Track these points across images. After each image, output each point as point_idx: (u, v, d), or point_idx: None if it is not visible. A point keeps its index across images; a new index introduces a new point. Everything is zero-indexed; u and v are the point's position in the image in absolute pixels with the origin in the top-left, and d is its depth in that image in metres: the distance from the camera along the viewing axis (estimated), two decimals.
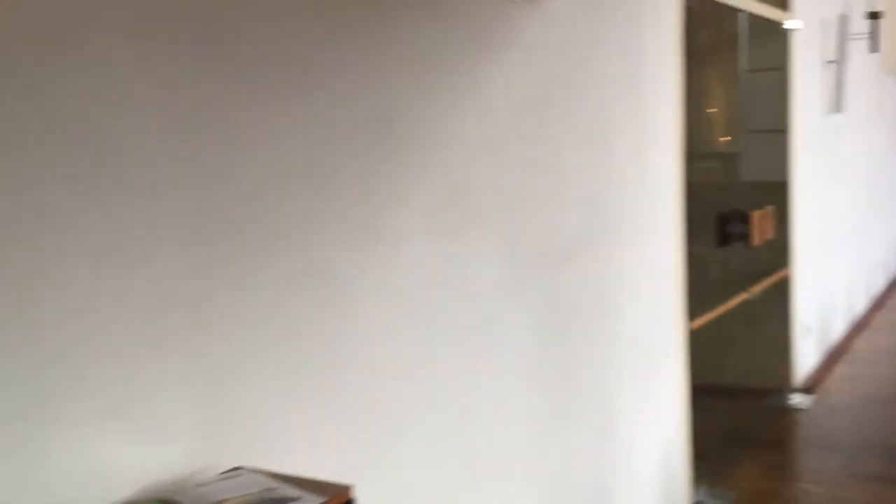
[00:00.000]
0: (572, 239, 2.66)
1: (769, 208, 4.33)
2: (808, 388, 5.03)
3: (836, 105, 5.69)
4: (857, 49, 6.12)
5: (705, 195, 3.98)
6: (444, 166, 2.06)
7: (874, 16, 6.15)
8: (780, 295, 4.90)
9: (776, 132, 4.95)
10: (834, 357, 5.68)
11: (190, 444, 1.43)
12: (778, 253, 4.80)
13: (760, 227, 4.17)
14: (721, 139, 5.02)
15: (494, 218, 2.25)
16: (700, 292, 3.65)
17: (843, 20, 5.64)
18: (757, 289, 4.39)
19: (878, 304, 7.24)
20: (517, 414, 2.37)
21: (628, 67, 3.00)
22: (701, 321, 3.67)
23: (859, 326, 6.50)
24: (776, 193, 4.80)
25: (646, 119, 3.13)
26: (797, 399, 4.83)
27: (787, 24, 4.79)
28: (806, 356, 5.25)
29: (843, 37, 5.64)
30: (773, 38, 4.79)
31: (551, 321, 2.53)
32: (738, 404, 4.79)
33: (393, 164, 1.89)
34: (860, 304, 6.84)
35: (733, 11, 4.12)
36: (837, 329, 6.07)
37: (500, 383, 2.29)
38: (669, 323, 3.37)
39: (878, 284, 7.63)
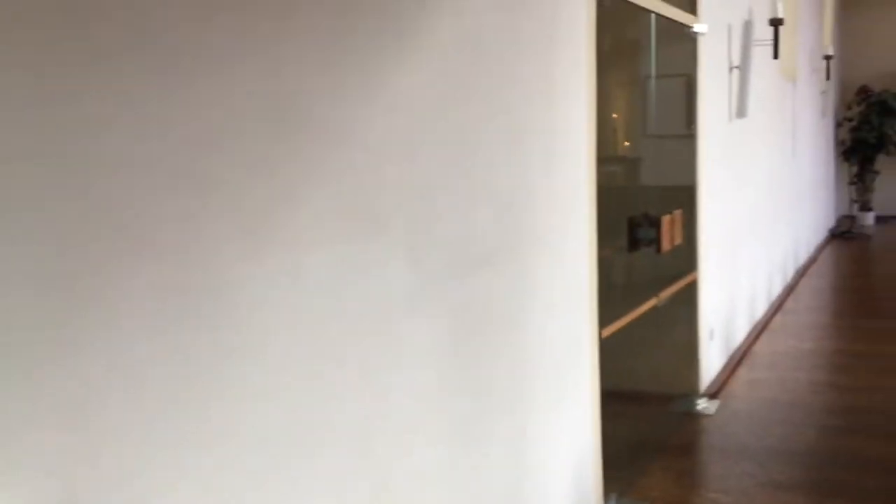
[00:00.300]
0: (484, 245, 2.51)
1: (677, 213, 4.29)
2: (713, 393, 5.04)
3: (741, 110, 5.74)
4: (761, 55, 6.20)
5: (611, 199, 3.91)
6: (348, 166, 1.88)
7: (776, 23, 6.23)
8: (687, 299, 4.89)
9: (678, 137, 4.94)
10: (737, 360, 5.73)
11: (42, 485, 1.21)
12: (685, 257, 4.78)
13: (669, 232, 4.12)
14: (624, 143, 4.97)
15: (403, 222, 2.09)
16: (611, 299, 3.57)
17: (748, 26, 5.69)
18: (665, 294, 4.35)
19: (777, 307, 7.38)
20: (427, 432, 2.21)
21: (543, 66, 2.88)
22: (612, 328, 3.59)
23: (760, 329, 6.59)
24: (679, 197, 4.78)
25: (559, 120, 3.02)
26: (703, 404, 4.83)
27: (694, 28, 4.78)
28: (711, 360, 5.27)
29: (748, 43, 5.69)
30: (679, 42, 4.77)
31: (462, 332, 2.38)
32: (647, 410, 4.76)
33: (290, 163, 1.69)
34: (761, 307, 6.95)
35: (642, 13, 4.06)
36: (740, 332, 6.14)
37: (408, 401, 2.13)
38: (581, 332, 3.27)
39: (777, 287, 7.79)
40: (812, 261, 9.89)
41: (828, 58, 10.82)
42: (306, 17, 1.73)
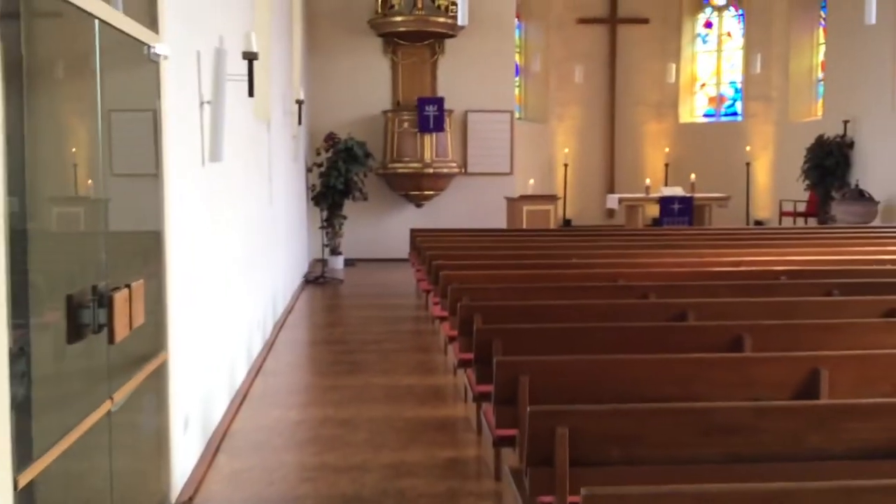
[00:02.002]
0: None
1: (138, 285, 3.27)
2: (188, 499, 4.09)
3: (215, 153, 4.92)
4: (236, 91, 5.48)
5: (47, 260, 2.79)
6: None
7: (250, 56, 5.58)
8: (154, 387, 3.88)
9: (148, 177, 3.96)
10: (216, 446, 4.86)
11: None
12: (150, 336, 3.77)
13: (126, 312, 3.09)
14: (86, 182, 3.82)
15: None
16: (35, 424, 2.44)
17: (220, 55, 4.92)
18: (123, 392, 3.29)
19: (258, 369, 6.71)
20: None
21: None
22: (39, 467, 2.45)
23: (241, 399, 5.83)
24: (142, 258, 3.79)
25: None
26: None
27: (156, 49, 3.83)
28: (186, 455, 4.31)
29: (220, 75, 4.92)
30: (138, 64, 3.78)
31: None
32: None
33: None
34: (241, 373, 6.20)
35: (82, 16, 3.00)
36: (219, 408, 5.28)
37: None
38: None
39: (257, 346, 7.14)
40: (289, 311, 9.52)
41: (300, 102, 10.69)
42: None
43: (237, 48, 5.63)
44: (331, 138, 12.98)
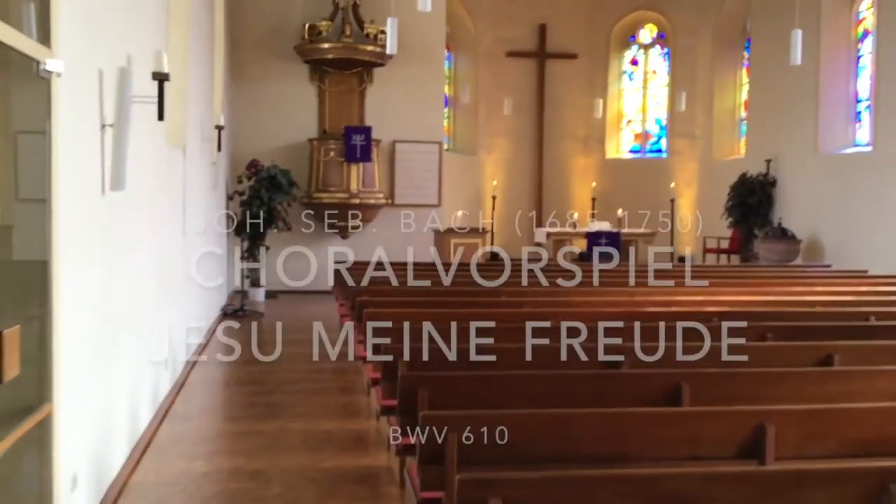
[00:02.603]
0: None
1: (11, 332, 2.86)
2: None
3: (117, 180, 4.50)
4: (143, 114, 5.07)
5: None
6: None
7: (160, 77, 5.18)
8: (36, 444, 3.44)
9: (35, 204, 3.55)
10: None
11: None
12: (29, 386, 3.34)
13: None
14: None
15: None
16: None
17: (125, 75, 4.52)
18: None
19: (165, 413, 6.23)
20: None
21: None
22: None
23: (144, 447, 5.35)
24: (22, 304, 3.37)
25: None
26: None
27: (47, 66, 3.44)
28: None
29: (125, 96, 4.52)
30: (28, 82, 3.39)
31: None
32: None
33: None
34: (145, 417, 5.72)
35: None
36: (117, 459, 4.81)
37: None
38: None
39: (166, 387, 6.64)
40: (204, 347, 9.01)
41: (219, 128, 10.25)
42: None
43: (148, 68, 5.23)
44: (253, 166, 12.54)
